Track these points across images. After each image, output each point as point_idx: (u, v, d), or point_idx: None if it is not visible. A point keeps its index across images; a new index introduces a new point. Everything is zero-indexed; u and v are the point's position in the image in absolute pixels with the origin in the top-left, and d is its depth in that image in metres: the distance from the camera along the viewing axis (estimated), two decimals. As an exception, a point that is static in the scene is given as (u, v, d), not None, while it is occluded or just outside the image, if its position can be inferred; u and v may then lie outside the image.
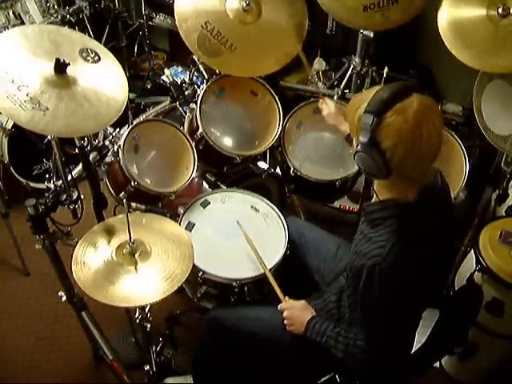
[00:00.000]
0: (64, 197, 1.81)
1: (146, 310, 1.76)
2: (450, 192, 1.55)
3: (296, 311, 1.67)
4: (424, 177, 1.37)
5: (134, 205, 2.01)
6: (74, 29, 2.94)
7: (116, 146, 1.99)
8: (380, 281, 1.33)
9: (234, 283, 1.79)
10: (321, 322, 1.59)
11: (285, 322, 1.66)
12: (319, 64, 3.32)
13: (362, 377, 1.66)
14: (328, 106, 2.08)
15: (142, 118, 2.34)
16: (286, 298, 1.72)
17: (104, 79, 1.67)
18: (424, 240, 1.38)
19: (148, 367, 2.00)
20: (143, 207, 2.02)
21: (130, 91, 1.73)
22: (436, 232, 1.42)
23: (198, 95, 2.18)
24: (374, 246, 1.36)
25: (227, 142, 2.23)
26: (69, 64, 1.55)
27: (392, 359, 1.49)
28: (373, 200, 1.51)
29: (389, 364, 1.50)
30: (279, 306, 1.69)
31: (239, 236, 1.92)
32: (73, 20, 3.00)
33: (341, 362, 1.59)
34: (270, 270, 1.80)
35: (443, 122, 1.32)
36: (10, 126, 2.55)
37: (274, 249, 1.88)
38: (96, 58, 1.68)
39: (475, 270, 1.91)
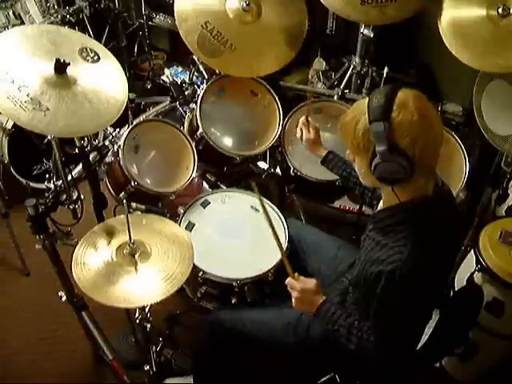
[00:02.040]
0: (64, 197, 1.82)
1: (146, 310, 1.76)
2: (452, 193, 1.55)
3: (309, 292, 1.55)
4: (436, 165, 1.37)
5: (134, 205, 2.01)
6: (74, 29, 2.94)
7: (116, 146, 2.00)
8: (400, 286, 1.33)
9: (234, 283, 1.79)
10: (334, 309, 1.54)
11: (293, 299, 1.55)
12: (319, 64, 3.32)
13: (362, 377, 1.66)
14: (309, 133, 2.00)
15: (142, 118, 2.34)
16: (296, 274, 1.58)
17: (104, 79, 1.67)
18: (436, 241, 1.38)
19: (148, 367, 2.00)
20: (143, 207, 2.02)
21: (129, 91, 1.73)
22: (446, 232, 1.41)
23: (198, 95, 2.18)
24: (392, 251, 1.35)
25: (227, 141, 2.23)
26: (69, 64, 1.56)
27: (400, 360, 1.49)
28: (379, 206, 1.51)
29: (397, 365, 1.50)
30: (287, 280, 1.57)
31: (239, 236, 1.92)
32: (73, 20, 3.00)
33: (341, 361, 1.58)
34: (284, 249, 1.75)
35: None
36: (10, 125, 2.55)
37: (274, 249, 1.88)
38: (95, 57, 1.69)
39: (475, 270, 1.91)
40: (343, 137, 1.37)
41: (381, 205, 1.51)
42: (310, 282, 1.57)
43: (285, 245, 1.86)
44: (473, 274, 1.94)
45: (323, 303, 1.56)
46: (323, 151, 1.98)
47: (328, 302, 1.57)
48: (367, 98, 1.31)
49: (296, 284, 1.56)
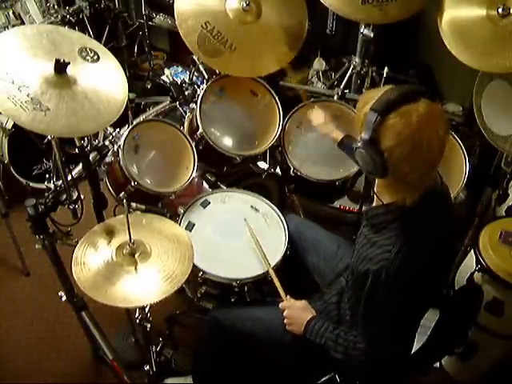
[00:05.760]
0: (64, 197, 1.81)
1: (146, 310, 1.76)
2: (449, 193, 1.55)
3: (296, 311, 1.67)
4: (423, 182, 1.36)
5: (134, 205, 2.01)
6: (74, 29, 2.94)
7: (116, 146, 1.99)
8: (386, 285, 1.34)
9: (234, 283, 1.79)
10: (320, 324, 1.59)
11: (284, 321, 1.67)
12: (319, 64, 3.32)
13: (362, 377, 1.66)
14: (317, 116, 2.06)
15: (142, 117, 2.34)
16: (288, 296, 1.72)
17: (104, 79, 1.67)
18: (427, 242, 1.38)
19: (148, 367, 2.00)
20: (143, 207, 2.02)
21: (129, 91, 1.73)
22: (439, 235, 1.41)
23: (198, 95, 2.18)
24: (380, 250, 1.36)
25: (227, 141, 2.23)
26: (69, 63, 1.55)
27: (392, 360, 1.49)
28: (374, 204, 1.51)
29: (389, 365, 1.50)
30: (280, 305, 1.70)
31: (239, 236, 1.92)
32: (73, 20, 3.00)
33: (340, 362, 1.59)
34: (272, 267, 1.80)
35: (448, 129, 1.31)
36: (10, 125, 2.55)
37: (274, 249, 1.88)
38: (95, 57, 1.69)
39: (475, 270, 1.92)
40: (356, 109, 1.39)
41: (375, 202, 1.52)
42: (298, 301, 1.69)
43: (280, 255, 1.86)
44: (473, 273, 1.94)
45: (310, 321, 1.61)
46: (340, 134, 1.97)
47: (314, 319, 1.62)
48: (390, 87, 1.31)
49: (286, 304, 1.68)
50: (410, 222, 1.36)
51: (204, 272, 1.79)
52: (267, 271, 1.80)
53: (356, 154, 1.34)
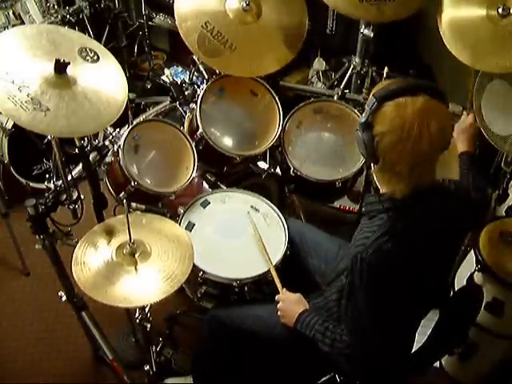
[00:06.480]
0: (64, 197, 1.82)
1: (146, 309, 1.76)
2: (461, 193, 1.56)
3: (289, 304, 1.68)
4: (413, 175, 1.34)
5: (134, 205, 2.01)
6: (74, 29, 2.94)
7: (116, 146, 1.99)
8: (360, 272, 1.34)
9: (234, 283, 1.79)
10: (311, 316, 1.59)
11: (278, 313, 1.68)
12: (319, 64, 3.32)
13: (362, 377, 1.66)
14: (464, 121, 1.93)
15: (142, 117, 2.34)
16: (284, 289, 1.73)
17: (104, 79, 1.67)
18: (418, 238, 1.38)
19: (148, 367, 2.00)
20: (143, 207, 2.02)
21: (129, 91, 1.73)
22: (434, 232, 1.41)
23: (198, 95, 2.18)
24: (361, 236, 1.38)
25: (227, 141, 2.23)
26: (69, 63, 1.55)
27: (383, 358, 1.48)
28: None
29: (379, 363, 1.49)
30: (276, 297, 1.71)
31: (239, 236, 1.92)
32: (73, 20, 3.00)
33: (332, 359, 1.59)
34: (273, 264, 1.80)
35: (445, 128, 1.31)
36: (10, 125, 2.55)
37: (274, 249, 1.88)
38: (95, 57, 1.69)
39: (475, 270, 1.92)
40: None
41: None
42: (292, 294, 1.70)
43: (280, 255, 1.86)
44: (473, 273, 1.94)
45: (302, 313, 1.61)
46: (461, 149, 1.83)
47: (306, 311, 1.62)
48: (400, 79, 1.35)
49: (281, 296, 1.70)
50: (398, 214, 1.36)
51: (204, 272, 1.79)
52: (267, 271, 1.80)
53: (355, 135, 1.37)
